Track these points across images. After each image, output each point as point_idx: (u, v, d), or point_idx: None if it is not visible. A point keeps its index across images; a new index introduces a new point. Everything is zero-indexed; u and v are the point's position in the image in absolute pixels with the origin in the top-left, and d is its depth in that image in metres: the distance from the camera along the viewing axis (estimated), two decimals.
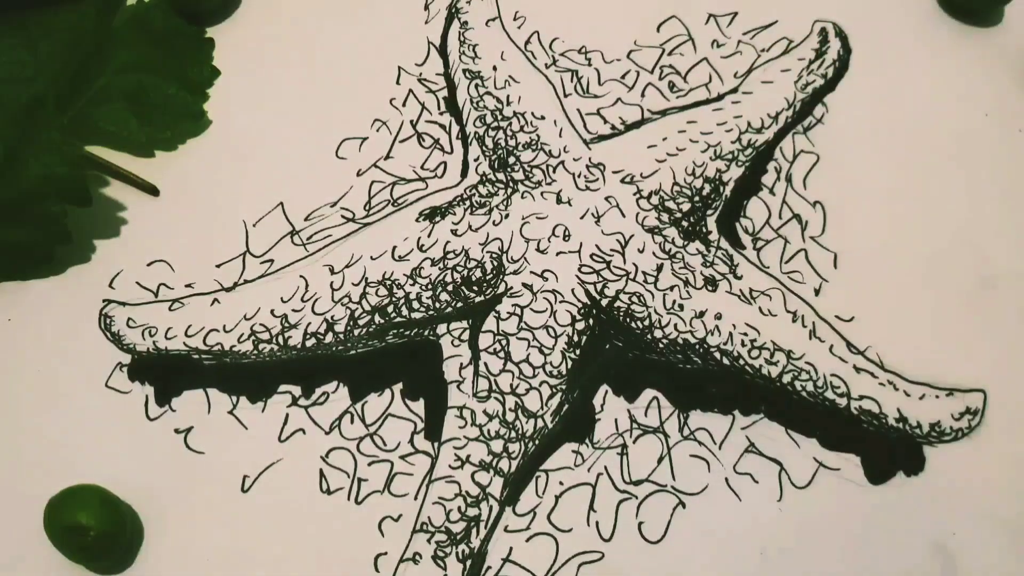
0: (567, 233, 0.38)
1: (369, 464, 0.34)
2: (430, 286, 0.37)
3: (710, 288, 0.37)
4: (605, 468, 0.34)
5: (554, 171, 0.39)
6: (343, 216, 0.39)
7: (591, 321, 0.36)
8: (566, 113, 0.41)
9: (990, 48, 0.43)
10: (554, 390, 0.35)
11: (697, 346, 0.36)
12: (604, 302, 0.37)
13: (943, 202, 0.39)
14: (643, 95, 0.41)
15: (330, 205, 0.39)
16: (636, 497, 0.34)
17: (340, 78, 0.41)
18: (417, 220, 0.38)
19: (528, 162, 0.39)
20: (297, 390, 0.35)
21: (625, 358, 0.36)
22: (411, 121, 0.41)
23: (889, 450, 0.35)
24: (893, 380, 0.36)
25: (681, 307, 0.36)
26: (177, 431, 0.35)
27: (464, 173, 0.40)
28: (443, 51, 0.42)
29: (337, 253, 0.38)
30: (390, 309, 0.36)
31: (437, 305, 0.37)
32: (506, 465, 0.34)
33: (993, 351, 0.37)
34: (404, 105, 0.41)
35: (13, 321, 0.37)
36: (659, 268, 0.37)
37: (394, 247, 0.38)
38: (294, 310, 0.37)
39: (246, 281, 0.37)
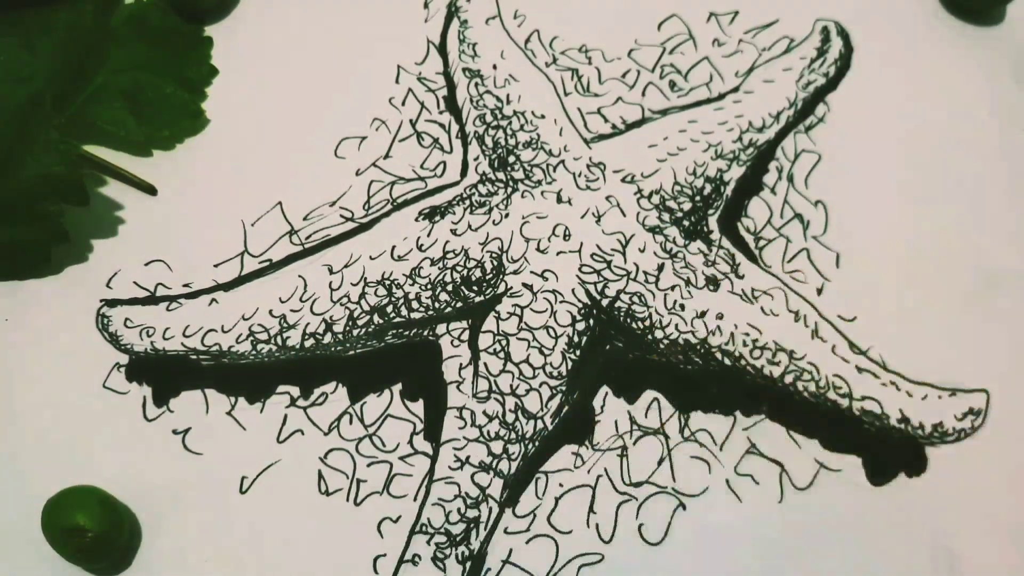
0: (567, 233, 0.38)
1: (368, 465, 0.34)
2: (429, 286, 0.37)
3: (712, 288, 0.37)
4: (605, 470, 0.34)
5: (554, 170, 0.39)
6: (342, 216, 0.38)
7: (591, 321, 0.36)
8: (566, 112, 0.40)
9: (992, 47, 0.43)
10: (554, 391, 0.35)
11: (698, 346, 0.36)
12: (605, 302, 0.36)
13: (945, 201, 0.39)
14: (644, 94, 0.41)
15: (329, 204, 0.39)
16: (636, 499, 0.34)
17: (339, 77, 0.41)
18: (416, 220, 0.38)
19: (528, 161, 0.39)
20: (296, 391, 0.35)
21: (626, 359, 0.36)
22: (410, 120, 0.40)
23: (891, 451, 0.35)
24: (895, 380, 0.36)
25: (682, 307, 0.36)
26: (175, 432, 0.35)
27: (464, 172, 0.39)
28: (442, 50, 0.42)
29: (336, 253, 0.37)
30: (389, 309, 0.36)
31: (437, 305, 0.36)
32: (506, 466, 0.34)
33: (996, 351, 0.37)
34: (403, 104, 0.41)
35: (10, 321, 0.36)
36: (660, 268, 0.37)
37: (393, 247, 0.37)
38: (292, 310, 0.36)
39: (244, 281, 0.37)
